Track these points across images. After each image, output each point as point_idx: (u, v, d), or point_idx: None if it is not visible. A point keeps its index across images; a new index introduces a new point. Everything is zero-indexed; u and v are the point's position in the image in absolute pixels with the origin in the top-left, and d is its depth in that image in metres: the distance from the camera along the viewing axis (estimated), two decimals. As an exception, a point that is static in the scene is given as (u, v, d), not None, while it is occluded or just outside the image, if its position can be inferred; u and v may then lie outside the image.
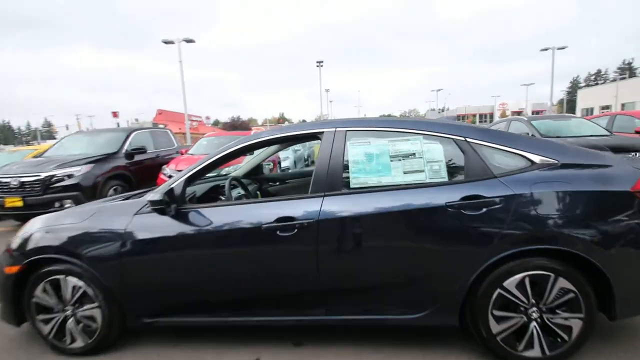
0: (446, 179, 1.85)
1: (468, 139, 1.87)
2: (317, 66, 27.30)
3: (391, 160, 1.91)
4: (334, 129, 2.00)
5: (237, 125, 46.53)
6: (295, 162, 10.54)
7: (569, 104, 60.09)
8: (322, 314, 1.94)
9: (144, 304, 2.06)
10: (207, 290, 2.00)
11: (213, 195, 2.65)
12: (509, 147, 1.87)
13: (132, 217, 1.99)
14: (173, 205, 1.93)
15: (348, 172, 1.91)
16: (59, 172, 5.67)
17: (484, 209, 1.74)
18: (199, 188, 2.56)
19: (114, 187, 6.29)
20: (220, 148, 2.11)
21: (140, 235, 1.97)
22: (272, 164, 3.81)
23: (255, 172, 3.63)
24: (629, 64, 64.03)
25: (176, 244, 1.96)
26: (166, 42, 18.10)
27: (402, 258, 1.83)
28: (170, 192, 1.94)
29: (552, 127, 6.44)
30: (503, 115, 52.35)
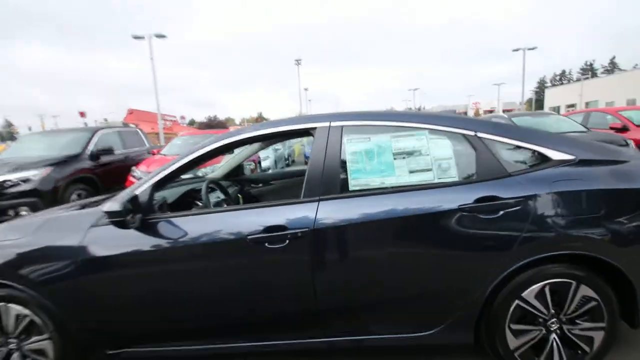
0: (457, 179, 1.63)
1: (479, 134, 1.67)
2: (296, 64, 26.98)
3: (394, 159, 1.68)
4: (328, 124, 1.74)
5: (213, 125, 45.31)
6: (275, 161, 10.21)
7: (537, 103, 62.81)
8: (319, 336, 1.68)
9: (105, 334, 1.73)
10: (182, 315, 1.69)
11: (188, 201, 2.33)
12: (524, 142, 1.68)
13: (87, 230, 1.66)
14: (138, 215, 1.61)
15: (346, 173, 1.67)
16: (13, 177, 5.11)
17: (501, 212, 1.55)
18: (171, 193, 2.23)
19: (78, 192, 5.76)
20: (196, 146, 1.81)
21: (99, 252, 1.64)
22: (253, 164, 3.51)
23: (235, 173, 3.33)
24: (591, 65, 67.74)
25: (143, 261, 1.64)
26: (136, 37, 17.28)
27: (410, 269, 1.61)
28: (133, 199, 1.62)
29: (532, 123, 6.48)
30: (477, 114, 53.95)
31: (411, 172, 1.66)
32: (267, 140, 2.65)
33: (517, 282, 1.58)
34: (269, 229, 1.58)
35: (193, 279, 1.65)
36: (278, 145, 11.08)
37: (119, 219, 1.57)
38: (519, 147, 1.68)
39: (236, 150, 3.19)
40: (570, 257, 1.58)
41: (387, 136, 1.71)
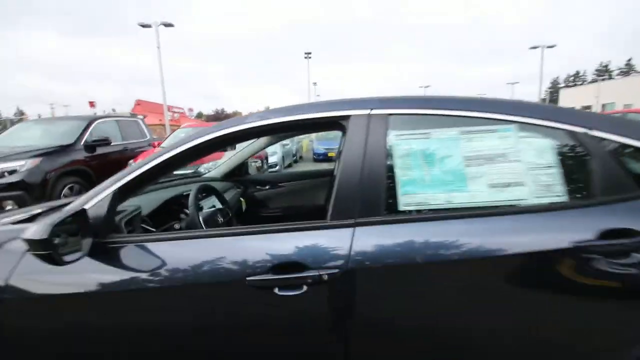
0: (564, 198, 1.09)
1: (595, 132, 1.12)
2: (305, 58, 26.32)
3: (467, 166, 1.14)
4: (367, 112, 1.21)
5: (221, 118, 44.86)
6: (283, 157, 9.69)
7: (551, 104, 61.34)
8: None
9: None
10: None
11: (175, 208, 1.82)
12: None
13: (20, 258, 1.15)
14: (86, 240, 1.09)
15: (394, 185, 1.14)
16: (-2, 167, 4.67)
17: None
18: (150, 200, 1.71)
19: (70, 186, 5.31)
20: (184, 137, 1.28)
21: (35, 290, 1.14)
22: (259, 162, 3.00)
23: (238, 173, 2.81)
24: (606, 66, 65.92)
25: (97, 306, 1.13)
26: (143, 26, 16.79)
27: (499, 339, 1.08)
28: (78, 217, 1.08)
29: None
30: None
31: (492, 186, 1.12)
32: (277, 132, 2.11)
33: None
34: (279, 267, 1.06)
35: (166, 336, 1.13)
36: (287, 141, 10.54)
37: (44, 252, 0.99)
38: None
39: (239, 146, 2.67)
40: None
41: (455, 131, 1.17)
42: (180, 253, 1.12)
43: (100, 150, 5.90)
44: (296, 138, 13.34)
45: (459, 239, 1.05)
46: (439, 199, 1.11)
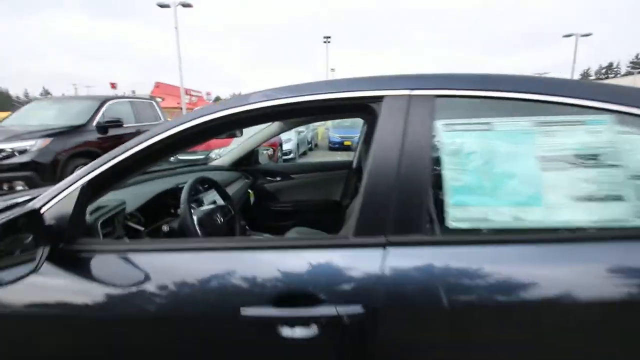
0: None
1: None
2: (324, 42, 25.62)
3: (543, 170, 0.84)
4: (407, 92, 0.91)
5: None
6: (298, 145, 9.42)
7: None
8: None
9: None
10: None
11: (173, 203, 1.58)
12: None
13: None
14: (41, 248, 0.85)
15: (441, 193, 0.85)
16: (8, 146, 4.58)
17: None
18: (139, 194, 1.47)
19: (80, 167, 5.21)
20: (176, 120, 1.02)
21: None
22: (271, 150, 2.74)
23: (247, 161, 2.57)
24: (644, 58, 62.09)
25: (51, 332, 0.91)
26: (161, 6, 16.64)
27: None
28: (32, 220, 0.83)
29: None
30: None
31: (579, 199, 0.82)
32: (285, 117, 1.78)
33: None
34: (285, 297, 0.80)
35: None
36: (302, 128, 10.24)
37: None
38: None
39: (250, 131, 2.41)
40: None
41: (527, 122, 0.87)
42: (153, 269, 0.87)
43: (112, 132, 5.77)
44: (312, 125, 13.03)
45: (533, 272, 0.76)
46: (503, 214, 0.82)
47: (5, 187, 4.51)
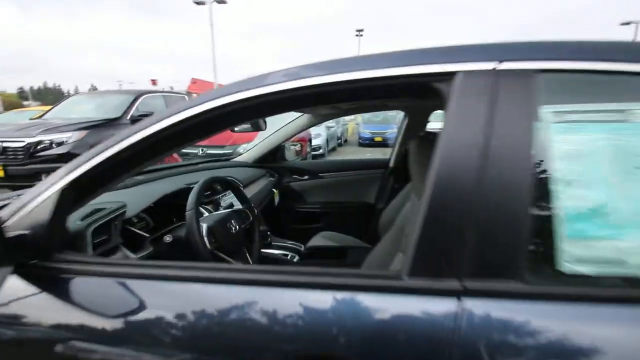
0: None
1: None
2: (357, 35, 25.07)
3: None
4: (492, 65, 0.61)
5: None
6: (327, 140, 9.18)
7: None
8: None
9: None
10: None
11: (182, 204, 1.39)
12: None
13: None
14: (3, 269, 0.68)
15: (550, 218, 0.56)
16: (46, 138, 4.73)
17: None
18: (144, 194, 1.29)
19: (114, 160, 5.31)
20: (170, 109, 0.82)
21: None
22: (299, 145, 2.54)
23: (272, 157, 2.37)
24: None
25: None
26: (197, 3, 17.08)
27: None
28: None
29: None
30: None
31: None
32: (313, 103, 1.39)
33: None
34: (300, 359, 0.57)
35: None
36: (332, 122, 9.97)
37: None
38: None
39: (273, 125, 2.21)
40: None
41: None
42: (133, 303, 0.67)
43: (145, 126, 5.85)
44: (342, 120, 12.72)
45: None
46: None
47: (43, 177, 4.66)
